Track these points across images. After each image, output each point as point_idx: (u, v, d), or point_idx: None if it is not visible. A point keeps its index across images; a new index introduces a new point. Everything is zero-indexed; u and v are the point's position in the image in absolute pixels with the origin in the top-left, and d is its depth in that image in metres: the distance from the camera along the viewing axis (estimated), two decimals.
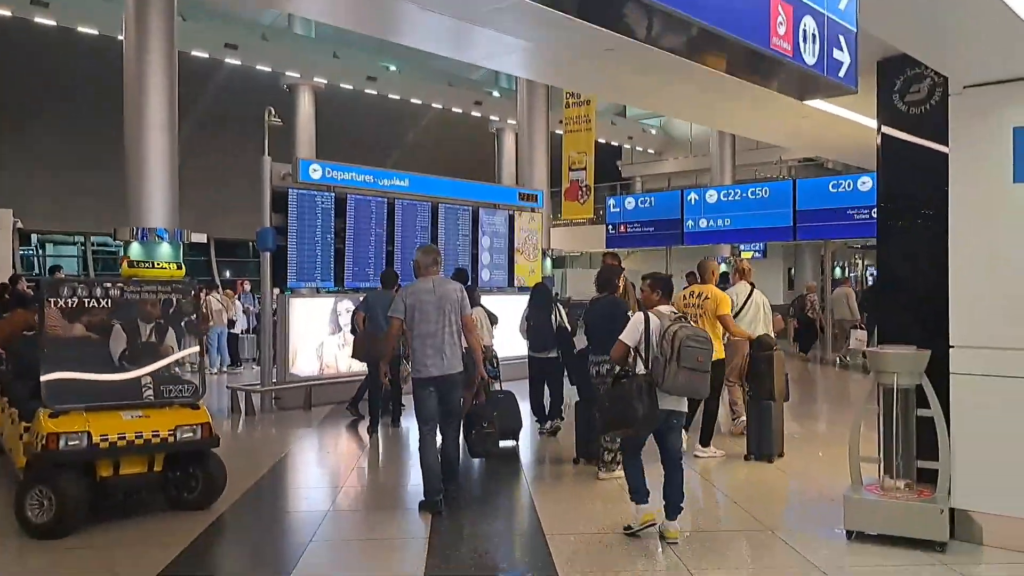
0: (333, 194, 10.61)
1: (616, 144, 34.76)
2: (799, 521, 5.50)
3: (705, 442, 7.14)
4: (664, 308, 5.00)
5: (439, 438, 5.70)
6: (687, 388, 4.71)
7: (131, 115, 13.51)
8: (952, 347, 4.81)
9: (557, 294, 11.54)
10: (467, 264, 12.13)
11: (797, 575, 4.39)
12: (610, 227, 19.72)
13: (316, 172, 10.53)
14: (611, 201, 20.08)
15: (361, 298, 9.64)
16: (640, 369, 4.81)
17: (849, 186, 16.21)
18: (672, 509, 4.90)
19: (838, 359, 15.65)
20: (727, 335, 7.28)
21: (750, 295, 7.86)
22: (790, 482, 6.54)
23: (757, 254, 30.05)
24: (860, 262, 38.10)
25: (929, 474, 4.82)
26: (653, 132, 34.98)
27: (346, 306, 10.62)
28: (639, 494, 4.95)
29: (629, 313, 5.80)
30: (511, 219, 13.32)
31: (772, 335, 7.61)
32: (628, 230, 19.36)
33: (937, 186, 4.92)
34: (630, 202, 19.72)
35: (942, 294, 4.86)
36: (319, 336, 10.62)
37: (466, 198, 12.71)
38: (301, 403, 10.14)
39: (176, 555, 4.68)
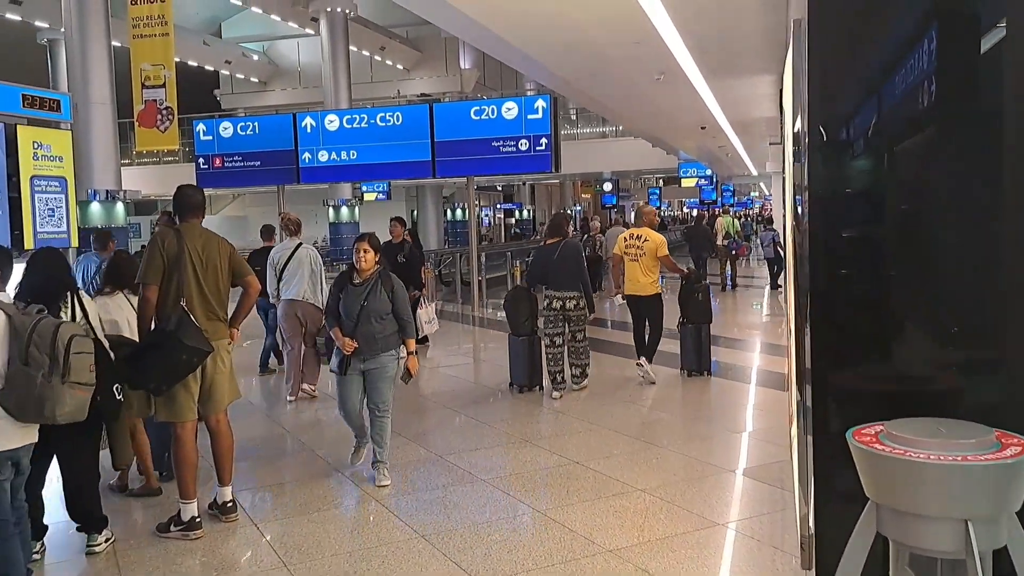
0: None
1: (212, 69, 29.32)
2: None
3: (649, 357, 7.60)
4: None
5: None
6: (73, 414, 3.22)
7: None
8: None
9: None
10: None
11: None
12: (201, 160, 14.94)
13: None
14: (200, 126, 15.17)
15: None
16: None
17: (493, 112, 13.71)
18: None
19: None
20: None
21: (295, 251, 7.29)
22: None
23: (381, 195, 27.19)
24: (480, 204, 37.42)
25: None
26: (255, 58, 30.17)
27: None
28: None
29: None
30: (10, 136, 8.22)
31: None
32: (225, 164, 14.81)
33: None
34: (227, 128, 15.04)
35: None
36: None
37: None
38: None
39: None
